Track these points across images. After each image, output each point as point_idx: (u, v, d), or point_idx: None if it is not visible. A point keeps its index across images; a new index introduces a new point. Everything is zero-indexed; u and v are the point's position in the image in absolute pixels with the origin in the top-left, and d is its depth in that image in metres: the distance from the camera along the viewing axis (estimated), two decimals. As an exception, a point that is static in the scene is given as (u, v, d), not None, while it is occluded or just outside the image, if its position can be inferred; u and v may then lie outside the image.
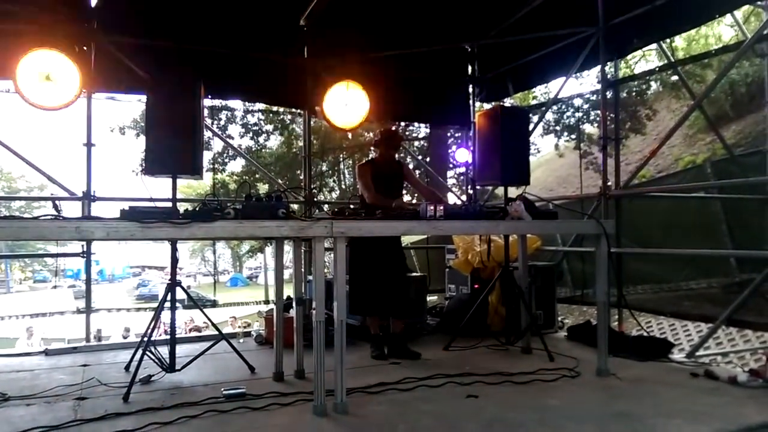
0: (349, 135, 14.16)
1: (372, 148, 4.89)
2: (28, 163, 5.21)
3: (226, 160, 15.37)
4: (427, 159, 10.05)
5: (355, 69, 5.71)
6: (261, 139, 15.48)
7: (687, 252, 5.32)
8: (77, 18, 4.98)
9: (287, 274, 5.84)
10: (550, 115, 14.01)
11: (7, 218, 2.65)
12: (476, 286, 5.49)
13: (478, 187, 7.12)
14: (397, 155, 4.84)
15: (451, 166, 13.35)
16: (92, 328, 5.40)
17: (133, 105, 14.91)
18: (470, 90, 7.16)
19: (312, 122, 6.52)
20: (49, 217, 2.72)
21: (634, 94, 13.85)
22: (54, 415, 3.08)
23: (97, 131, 5.32)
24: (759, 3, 5.54)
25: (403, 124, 12.78)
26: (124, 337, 11.76)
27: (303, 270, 4.29)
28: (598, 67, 5.63)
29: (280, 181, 10.13)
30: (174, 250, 3.95)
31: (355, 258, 4.42)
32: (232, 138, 14.85)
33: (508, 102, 7.78)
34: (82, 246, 5.14)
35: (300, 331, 3.92)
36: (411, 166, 15.27)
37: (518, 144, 4.69)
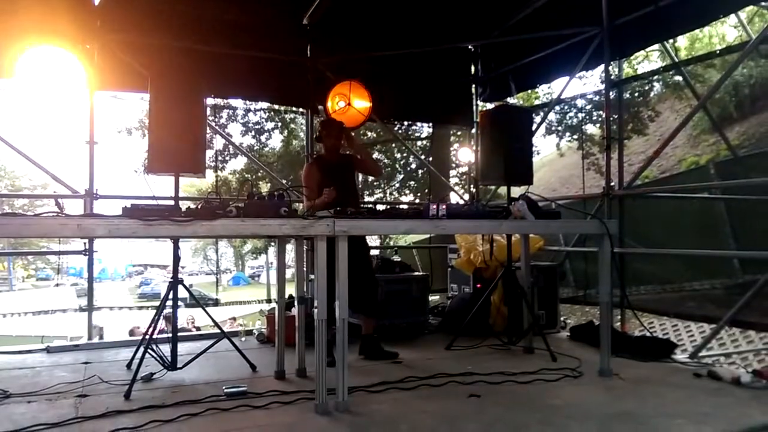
0: (352, 134, 14.16)
1: (317, 143, 4.71)
2: (32, 161, 5.20)
3: (227, 158, 15.32)
4: (430, 158, 10.04)
5: (357, 68, 5.73)
6: (263, 138, 15.43)
7: (690, 252, 5.31)
8: (80, 16, 4.99)
9: (290, 272, 5.84)
10: (552, 116, 13.99)
11: (9, 215, 2.63)
12: (478, 285, 5.48)
13: (481, 187, 7.12)
14: (342, 150, 4.53)
15: (454, 165, 13.37)
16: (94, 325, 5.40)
17: (138, 105, 14.97)
18: (473, 89, 7.16)
19: (314, 121, 6.52)
20: (51, 214, 2.72)
21: (636, 95, 13.81)
22: (55, 412, 3.08)
23: (101, 129, 5.32)
24: (763, 3, 5.52)
25: (406, 123, 12.79)
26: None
27: (305, 269, 4.27)
28: (602, 67, 5.61)
29: (282, 180, 10.11)
30: (176, 248, 3.95)
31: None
32: (232, 136, 14.83)
33: (510, 102, 7.76)
34: (85, 244, 5.14)
35: (302, 329, 3.91)
36: (413, 166, 15.42)
37: (521, 144, 4.67)
